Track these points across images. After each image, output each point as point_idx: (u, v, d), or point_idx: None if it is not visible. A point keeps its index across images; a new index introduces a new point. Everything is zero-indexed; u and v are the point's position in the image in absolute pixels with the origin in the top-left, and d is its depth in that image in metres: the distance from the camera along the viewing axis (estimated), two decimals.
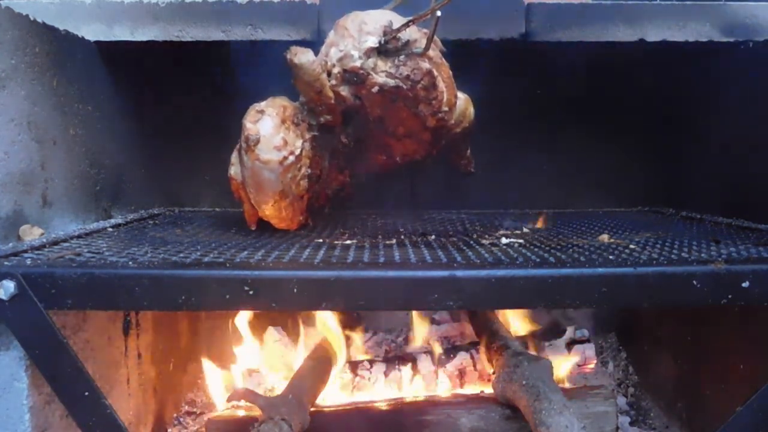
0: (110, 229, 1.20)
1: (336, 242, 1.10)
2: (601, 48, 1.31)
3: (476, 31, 1.30)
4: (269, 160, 1.05)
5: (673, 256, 0.94)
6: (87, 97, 1.26)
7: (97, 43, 1.28)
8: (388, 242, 1.09)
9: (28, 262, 0.86)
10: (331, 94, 1.09)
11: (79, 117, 1.23)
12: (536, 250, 1.00)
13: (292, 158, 1.07)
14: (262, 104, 1.08)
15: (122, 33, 1.27)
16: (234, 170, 1.10)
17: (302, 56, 1.04)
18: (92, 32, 1.27)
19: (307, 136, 1.11)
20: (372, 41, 1.08)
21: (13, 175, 1.01)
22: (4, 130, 0.99)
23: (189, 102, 1.60)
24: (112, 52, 1.32)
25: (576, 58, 1.38)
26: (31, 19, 1.08)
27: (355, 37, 1.08)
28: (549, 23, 1.30)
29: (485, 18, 1.30)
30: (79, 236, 1.09)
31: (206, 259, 0.90)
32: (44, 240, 1.00)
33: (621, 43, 1.30)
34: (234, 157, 1.11)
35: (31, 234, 1.02)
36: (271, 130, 1.05)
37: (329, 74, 1.09)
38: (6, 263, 0.85)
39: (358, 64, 1.07)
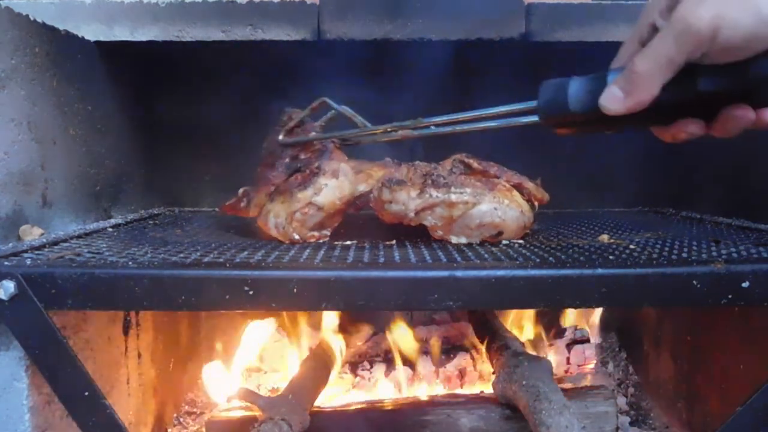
0: (110, 229, 1.20)
1: (336, 242, 1.10)
2: (601, 48, 1.30)
3: (476, 31, 1.30)
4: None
5: (673, 256, 0.94)
6: (87, 97, 1.26)
7: (97, 43, 1.28)
8: (388, 242, 1.09)
9: (28, 262, 0.86)
10: None
11: (79, 117, 1.23)
12: (536, 250, 1.00)
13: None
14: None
15: (122, 33, 1.27)
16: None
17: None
18: (92, 32, 1.27)
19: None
20: None
21: (13, 175, 1.01)
22: (4, 130, 0.99)
23: (189, 102, 1.60)
24: (112, 52, 1.32)
25: (576, 57, 1.38)
26: (31, 19, 1.08)
27: None
28: (549, 23, 1.30)
29: (485, 18, 1.30)
30: (79, 236, 1.09)
31: (206, 259, 0.90)
32: (44, 240, 1.00)
33: (621, 43, 1.30)
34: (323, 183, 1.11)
35: (31, 234, 1.02)
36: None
37: None
38: (6, 263, 0.85)
39: None
